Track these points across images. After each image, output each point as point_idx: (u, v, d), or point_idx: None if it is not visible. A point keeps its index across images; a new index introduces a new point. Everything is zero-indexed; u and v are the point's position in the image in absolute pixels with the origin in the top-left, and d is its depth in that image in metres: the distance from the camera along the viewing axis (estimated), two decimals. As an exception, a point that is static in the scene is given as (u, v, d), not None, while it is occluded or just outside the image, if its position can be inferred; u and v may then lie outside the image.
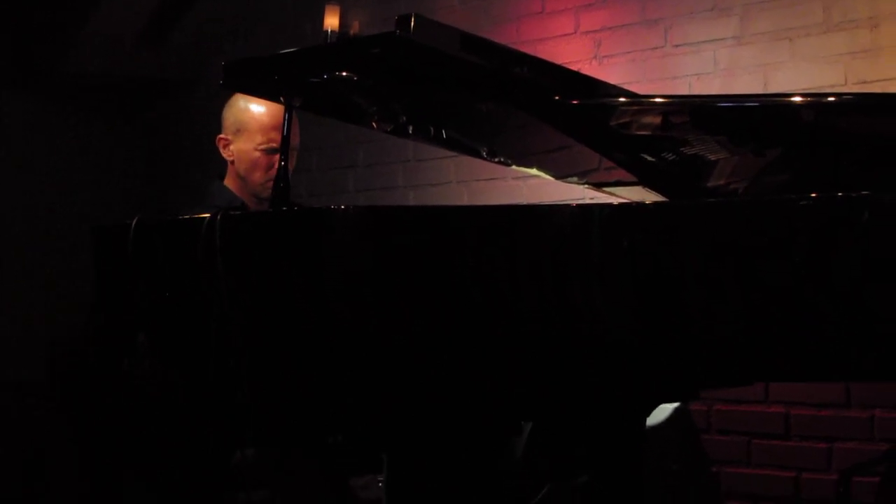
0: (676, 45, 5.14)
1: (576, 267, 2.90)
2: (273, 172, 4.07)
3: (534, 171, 4.13)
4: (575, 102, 3.26)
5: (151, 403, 3.05)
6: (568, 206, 2.94)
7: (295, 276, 2.77)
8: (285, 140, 3.36)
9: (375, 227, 2.82)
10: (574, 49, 5.38)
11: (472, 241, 2.89)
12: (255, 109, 4.13)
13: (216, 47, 6.57)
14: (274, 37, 6.36)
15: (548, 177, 4.14)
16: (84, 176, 6.82)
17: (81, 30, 6.15)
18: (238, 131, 4.16)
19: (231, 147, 4.18)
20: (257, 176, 4.14)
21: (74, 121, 6.88)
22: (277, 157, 4.05)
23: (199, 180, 4.76)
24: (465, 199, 5.71)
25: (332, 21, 5.85)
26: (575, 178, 4.10)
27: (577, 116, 3.34)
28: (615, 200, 3.85)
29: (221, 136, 4.20)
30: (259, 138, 4.12)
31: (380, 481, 4.03)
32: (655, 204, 3.32)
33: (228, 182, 4.21)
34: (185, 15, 6.39)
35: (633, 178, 3.80)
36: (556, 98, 3.25)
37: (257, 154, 4.13)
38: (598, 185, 4.07)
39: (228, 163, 4.20)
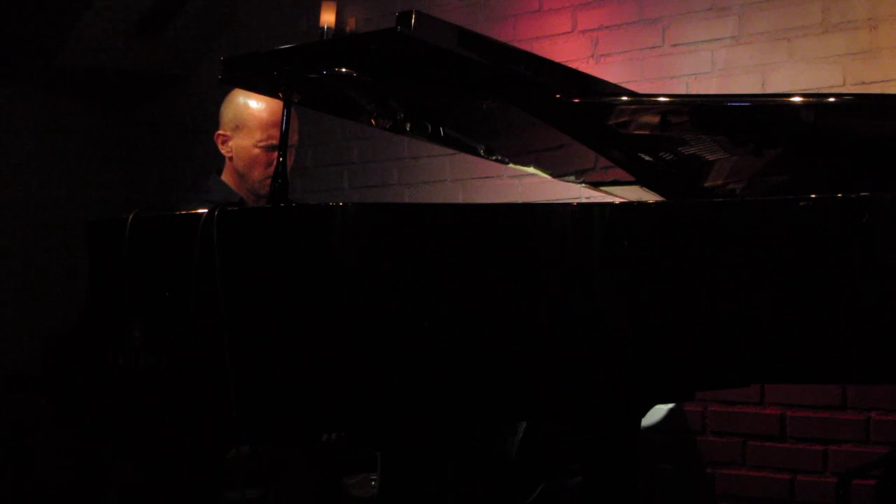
0: (674, 45, 5.14)
1: (576, 266, 2.91)
2: (272, 170, 4.08)
3: (531, 170, 4.14)
4: (576, 101, 3.27)
5: (144, 399, 3.05)
6: (569, 205, 2.95)
7: (293, 273, 2.78)
8: (284, 136, 3.37)
9: (375, 224, 2.83)
10: (571, 47, 5.39)
11: (470, 240, 2.90)
12: (255, 106, 4.13)
13: (210, 42, 6.57)
14: (269, 32, 6.36)
15: (544, 175, 4.15)
16: (77, 170, 6.82)
17: (75, 23, 6.15)
18: (237, 128, 4.16)
19: (230, 143, 4.18)
20: (257, 173, 4.14)
21: (67, 114, 6.87)
22: (276, 154, 4.08)
23: (192, 174, 4.77)
24: (460, 198, 5.71)
25: (328, 17, 5.85)
26: (572, 177, 4.10)
27: (576, 115, 3.34)
28: (613, 199, 3.86)
29: (220, 131, 4.19)
30: (259, 135, 4.12)
31: (373, 480, 4.04)
32: (656, 203, 3.33)
33: (226, 177, 4.21)
34: (179, 9, 6.38)
35: (630, 178, 3.81)
36: (557, 96, 3.26)
37: (257, 151, 4.13)
38: (595, 185, 4.07)
39: (227, 159, 4.20)
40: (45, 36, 6.28)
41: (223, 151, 4.20)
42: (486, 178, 5.54)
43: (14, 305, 6.15)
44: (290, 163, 3.67)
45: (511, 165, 4.12)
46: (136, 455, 3.53)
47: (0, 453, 4.89)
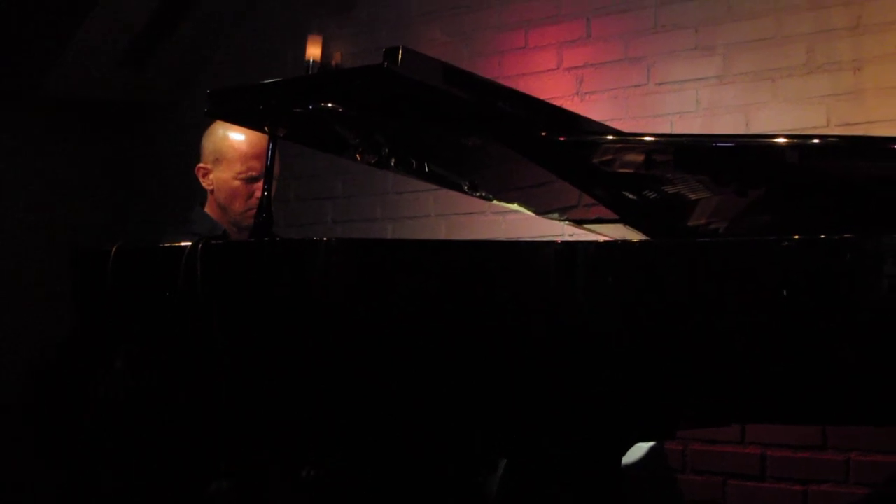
0: (659, 84, 5.16)
1: (559, 305, 2.91)
2: (253, 201, 4.09)
3: (514, 206, 4.14)
4: (561, 139, 3.28)
5: (127, 427, 3.05)
6: (553, 243, 2.95)
7: (276, 308, 2.78)
8: (269, 170, 3.37)
9: (358, 260, 2.83)
10: (556, 85, 5.40)
11: (453, 277, 2.90)
12: (234, 138, 4.13)
13: (196, 73, 6.59)
14: (254, 64, 6.36)
15: (528, 212, 4.16)
16: (63, 196, 6.80)
17: (62, 52, 6.15)
18: (217, 160, 4.16)
19: (210, 176, 4.18)
20: (237, 205, 4.14)
21: (53, 142, 6.87)
22: (257, 185, 4.09)
23: (178, 203, 4.76)
24: (443, 233, 5.72)
25: (314, 51, 5.85)
26: (556, 214, 4.11)
27: (560, 152, 3.35)
28: (596, 237, 3.87)
29: (201, 164, 4.19)
30: (238, 167, 4.12)
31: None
32: (640, 243, 3.34)
33: (209, 209, 4.20)
34: (165, 40, 6.40)
35: (614, 216, 3.81)
36: (542, 134, 3.27)
37: (237, 183, 4.13)
38: (578, 222, 4.08)
39: (208, 192, 4.20)
40: (31, 64, 6.28)
41: (204, 185, 4.20)
42: (470, 213, 5.55)
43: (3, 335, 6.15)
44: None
45: (495, 202, 4.13)
46: (115, 481, 3.52)
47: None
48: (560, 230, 4.36)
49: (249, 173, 4.12)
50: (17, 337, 5.89)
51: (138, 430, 3.04)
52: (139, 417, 3.00)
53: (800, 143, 3.32)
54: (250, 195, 4.12)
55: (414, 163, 3.79)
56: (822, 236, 2.81)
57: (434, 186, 4.06)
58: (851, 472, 4.51)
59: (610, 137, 3.35)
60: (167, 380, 2.91)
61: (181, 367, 2.84)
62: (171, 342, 2.88)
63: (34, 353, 3.14)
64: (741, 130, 4.87)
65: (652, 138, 3.37)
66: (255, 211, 3.78)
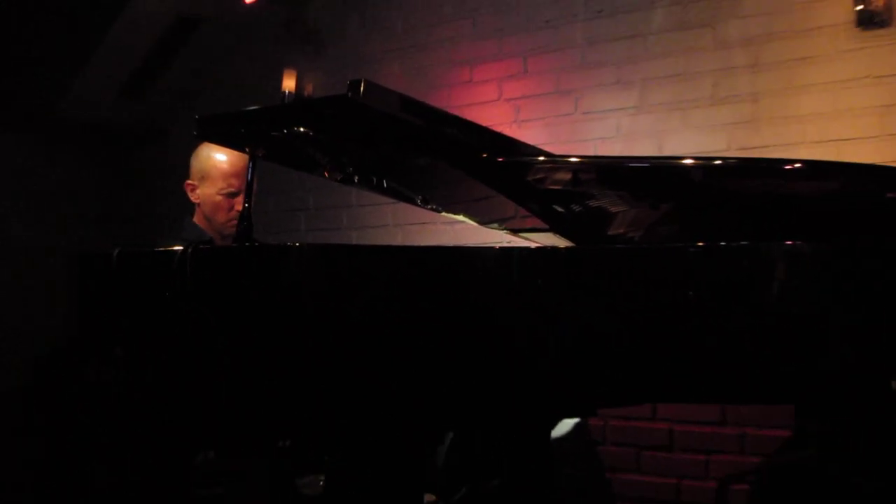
0: (585, 113, 5.18)
1: (497, 301, 2.91)
2: (234, 213, 4.09)
3: (460, 217, 4.13)
4: (499, 160, 3.28)
5: (124, 409, 3.02)
6: (492, 248, 2.95)
7: (255, 303, 2.77)
8: (249, 185, 3.36)
9: (326, 263, 2.82)
10: (497, 113, 5.41)
11: (407, 277, 2.90)
12: (217, 158, 4.12)
13: (186, 102, 6.55)
14: (238, 93, 6.34)
15: (472, 222, 4.15)
16: (70, 207, 6.76)
17: (71, 81, 6.12)
18: (202, 178, 4.15)
19: (197, 191, 4.17)
20: (220, 216, 4.13)
21: (64, 159, 6.82)
22: (237, 199, 4.09)
23: (170, 216, 4.74)
24: (399, 240, 5.71)
25: (289, 83, 5.83)
26: (496, 224, 4.10)
27: (499, 171, 3.34)
28: (530, 244, 3.87)
29: (189, 181, 4.18)
30: (220, 184, 4.11)
31: (320, 481, 4.02)
32: (565, 248, 3.33)
33: (197, 220, 4.19)
34: (160, 74, 6.37)
35: (545, 226, 3.81)
36: (483, 155, 3.27)
37: (219, 198, 4.12)
38: (515, 231, 4.07)
39: (196, 205, 4.19)
40: (45, 92, 6.24)
41: (192, 199, 4.18)
42: (423, 223, 5.55)
43: (15, 327, 6.08)
44: (241, 207, 3.66)
45: (444, 213, 4.12)
46: (114, 460, 3.47)
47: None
48: (500, 238, 4.36)
49: (230, 189, 4.11)
50: (25, 332, 5.85)
51: (135, 410, 3.01)
52: (135, 399, 2.98)
53: (704, 163, 3.32)
54: (231, 208, 4.12)
55: (374, 179, 3.78)
56: (723, 243, 2.82)
57: (392, 200, 4.06)
58: (746, 444, 4.54)
59: (542, 158, 3.34)
60: (161, 366, 2.89)
61: (173, 355, 2.82)
62: (164, 333, 2.86)
63: (41, 347, 3.10)
64: (655, 153, 4.89)
65: (577, 159, 3.37)
66: (236, 221, 3.78)
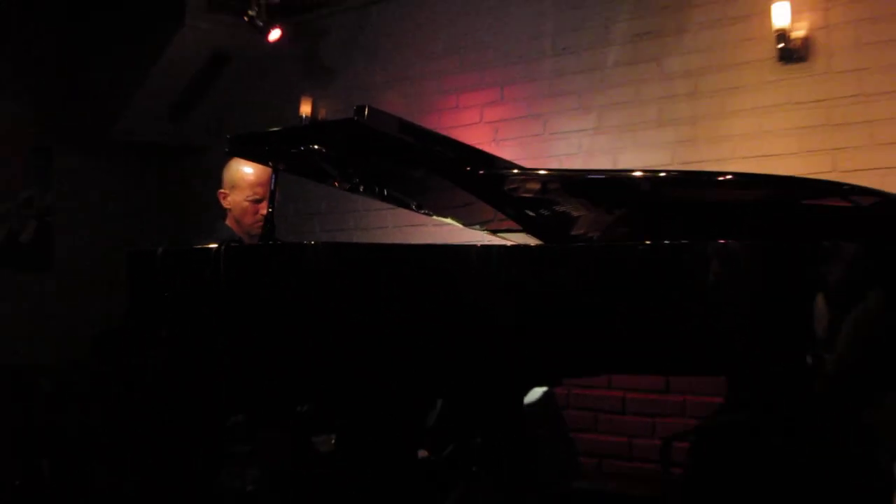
0: (552, 133, 5.18)
1: (479, 290, 2.91)
2: (259, 217, 4.08)
3: (448, 220, 4.13)
4: (480, 172, 3.28)
5: (170, 380, 3.03)
6: (474, 246, 2.96)
7: (277, 291, 2.77)
8: (272, 194, 3.36)
9: (335, 257, 2.82)
10: (479, 134, 5.41)
11: (404, 271, 2.91)
12: (245, 170, 4.11)
13: (221, 123, 6.54)
14: (262, 117, 6.34)
15: (458, 224, 4.15)
16: (123, 213, 6.78)
17: (126, 108, 6.12)
18: (232, 187, 4.15)
19: (228, 199, 4.16)
20: (248, 219, 4.12)
21: (118, 173, 6.84)
22: (262, 205, 4.08)
23: (206, 219, 4.74)
24: (397, 239, 5.70)
25: (306, 108, 5.84)
26: (478, 226, 4.09)
27: (480, 182, 3.34)
28: (506, 242, 3.87)
29: (221, 190, 4.17)
30: (248, 192, 4.11)
31: (332, 439, 4.02)
32: (536, 246, 3.34)
33: (229, 222, 4.18)
34: (199, 101, 6.37)
35: (519, 227, 3.81)
36: (467, 169, 3.27)
37: (247, 204, 4.11)
38: (494, 231, 4.06)
39: (227, 210, 4.19)
40: (103, 117, 6.25)
41: (224, 205, 4.17)
42: (417, 226, 5.55)
43: (77, 313, 6.09)
44: (265, 212, 3.65)
45: (434, 217, 4.12)
46: (156, 423, 3.46)
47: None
48: (481, 237, 4.35)
49: (255, 196, 4.10)
50: (89, 316, 5.86)
51: (178, 380, 3.01)
52: (179, 370, 2.98)
53: (651, 175, 3.32)
54: (256, 212, 4.10)
55: (376, 188, 3.78)
56: (666, 242, 2.83)
57: (391, 206, 4.06)
58: (687, 409, 4.55)
59: (515, 171, 3.34)
60: (199, 344, 2.89)
61: (208, 335, 2.82)
62: (201, 317, 2.86)
63: (100, 328, 3.10)
64: (610, 167, 4.88)
65: (545, 172, 3.36)
66: (261, 223, 3.78)
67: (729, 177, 3.35)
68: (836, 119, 4.33)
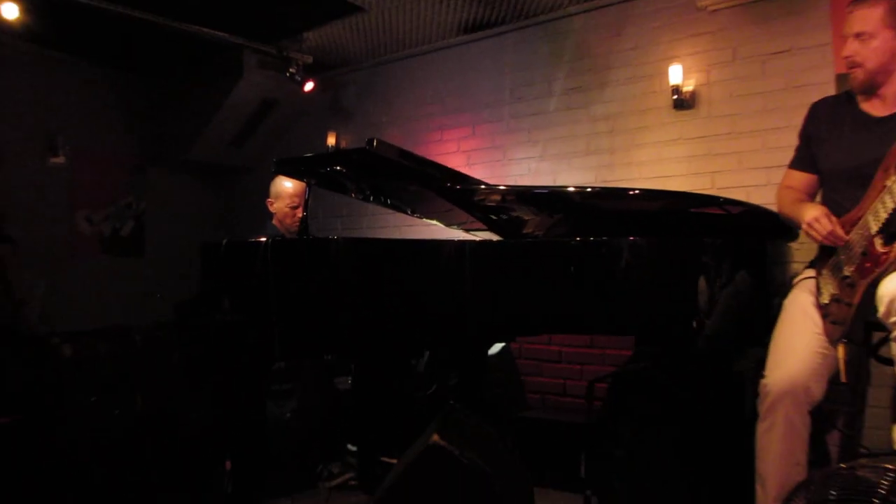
0: (509, 160, 5.16)
1: (455, 272, 2.90)
2: (296, 219, 4.06)
3: (434, 221, 4.13)
4: (457, 187, 3.28)
5: (232, 337, 3.00)
6: (453, 240, 2.96)
7: (310, 275, 2.75)
8: (306, 202, 3.34)
9: (354, 249, 2.81)
10: (456, 160, 5.39)
11: (404, 257, 2.90)
12: (286, 184, 4.10)
13: (270, 150, 6.50)
14: (299, 146, 6.31)
15: (441, 225, 4.15)
16: (196, 220, 6.74)
17: (199, 136, 6.07)
18: (277, 197, 4.13)
19: (273, 206, 4.14)
20: (288, 221, 4.11)
21: (192, 189, 6.79)
22: (298, 210, 4.05)
23: (257, 221, 4.70)
24: (398, 235, 5.70)
25: (331, 140, 5.77)
26: (456, 226, 4.10)
27: (457, 194, 3.34)
28: (475, 238, 3.86)
29: (269, 199, 4.16)
30: (287, 201, 4.09)
31: (349, 380, 4.01)
32: (497, 241, 3.33)
33: (274, 223, 4.16)
34: (252, 133, 6.31)
35: (485, 227, 3.81)
36: (447, 184, 3.26)
37: (287, 209, 4.10)
38: (468, 230, 4.07)
39: (273, 214, 4.17)
40: (182, 143, 6.20)
41: (271, 210, 4.15)
42: (412, 225, 5.51)
43: (162, 288, 6.06)
44: (301, 215, 3.61)
45: (424, 219, 4.11)
46: (224, 371, 3.40)
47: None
48: (458, 234, 4.35)
49: (293, 204, 4.08)
50: (171, 290, 5.82)
51: (238, 337, 2.97)
52: (238, 332, 2.94)
53: (580, 190, 3.32)
54: (294, 216, 4.09)
55: (382, 198, 3.77)
56: (591, 238, 2.82)
57: (393, 211, 4.05)
58: (606, 359, 4.55)
59: (482, 187, 3.34)
60: (251, 311, 2.87)
61: (260, 307, 2.80)
62: (252, 290, 2.84)
63: (179, 298, 3.07)
64: (551, 184, 4.88)
65: (504, 187, 3.36)
66: (298, 224, 3.75)
67: (637, 192, 3.36)
68: (715, 150, 4.34)
